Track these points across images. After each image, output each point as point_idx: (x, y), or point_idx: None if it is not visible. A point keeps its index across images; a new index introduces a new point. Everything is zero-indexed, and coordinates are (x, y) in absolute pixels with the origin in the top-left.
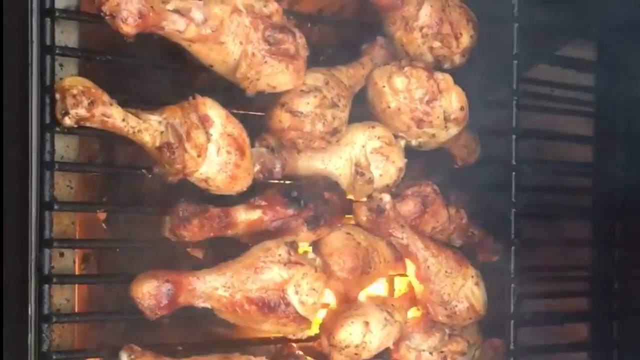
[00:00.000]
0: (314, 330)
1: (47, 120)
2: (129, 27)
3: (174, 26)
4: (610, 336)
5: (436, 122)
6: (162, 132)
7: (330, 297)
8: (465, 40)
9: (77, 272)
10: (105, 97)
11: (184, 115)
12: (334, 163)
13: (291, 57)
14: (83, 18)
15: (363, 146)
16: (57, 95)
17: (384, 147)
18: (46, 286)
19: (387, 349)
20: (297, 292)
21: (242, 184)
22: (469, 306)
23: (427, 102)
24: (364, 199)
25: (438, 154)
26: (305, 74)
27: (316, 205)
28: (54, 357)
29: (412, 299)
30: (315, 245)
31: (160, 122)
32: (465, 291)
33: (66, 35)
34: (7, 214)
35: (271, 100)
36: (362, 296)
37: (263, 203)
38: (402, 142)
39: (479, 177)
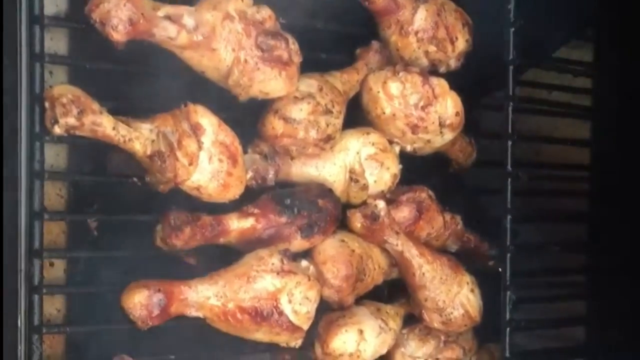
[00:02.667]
0: None
1: (37, 129)
2: (119, 34)
3: (165, 33)
4: (607, 340)
5: (431, 127)
6: (153, 141)
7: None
8: (461, 44)
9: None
10: (95, 106)
11: (175, 123)
12: (328, 170)
13: (284, 63)
14: (72, 25)
15: (357, 152)
16: (47, 104)
17: (379, 154)
18: (36, 296)
19: (382, 356)
20: (290, 301)
21: (235, 192)
22: (465, 313)
23: (422, 108)
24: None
25: (433, 158)
26: (298, 80)
27: (310, 212)
28: None
29: (406, 306)
30: (309, 253)
31: (151, 131)
32: (460, 298)
33: (55, 43)
34: None
35: (264, 106)
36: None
37: (256, 211)
38: (397, 148)
39: (474, 182)
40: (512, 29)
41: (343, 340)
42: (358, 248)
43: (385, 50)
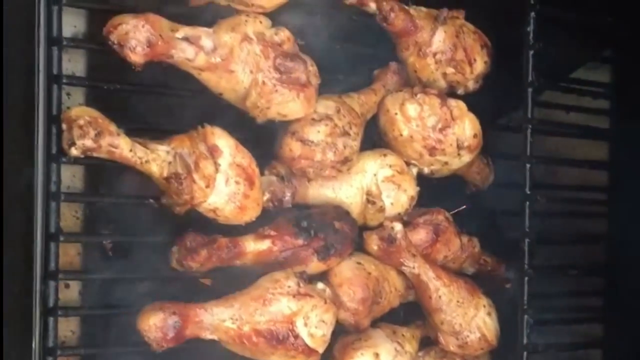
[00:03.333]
0: None
1: (54, 150)
2: (137, 56)
3: (183, 54)
4: None
5: (449, 149)
6: (170, 163)
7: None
8: (480, 66)
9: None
10: (112, 127)
11: (192, 145)
12: (345, 192)
13: (302, 85)
14: (91, 47)
15: (374, 174)
16: (64, 126)
17: (396, 176)
18: (51, 319)
19: None
20: (306, 324)
21: (251, 214)
22: (481, 336)
23: (439, 130)
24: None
25: (450, 180)
26: (316, 101)
27: (326, 235)
28: None
29: (423, 329)
30: (325, 275)
31: (168, 152)
32: (477, 321)
33: (73, 64)
34: (11, 245)
35: (281, 127)
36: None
37: (272, 233)
38: (414, 170)
39: (492, 204)
40: (531, 52)
41: None
42: (374, 270)
43: (403, 71)
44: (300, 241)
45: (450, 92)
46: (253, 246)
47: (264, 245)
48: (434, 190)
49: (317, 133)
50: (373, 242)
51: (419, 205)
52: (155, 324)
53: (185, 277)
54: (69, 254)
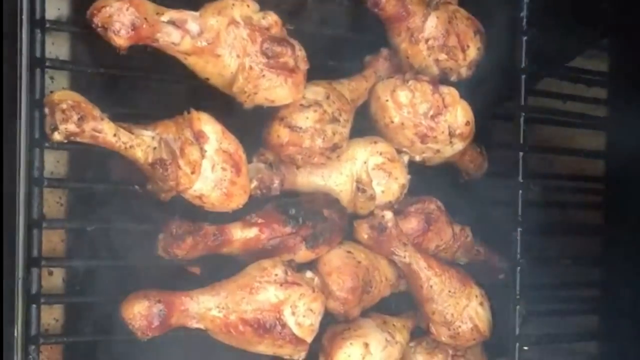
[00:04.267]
0: None
1: (37, 135)
2: (121, 39)
3: (169, 38)
4: (619, 355)
5: (441, 137)
6: (155, 148)
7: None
8: (472, 52)
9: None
10: (96, 112)
11: (178, 130)
12: (335, 179)
13: (290, 70)
14: (74, 30)
15: (365, 162)
16: (47, 110)
17: (387, 163)
18: (34, 306)
19: None
20: (293, 313)
21: (238, 202)
22: (473, 327)
23: (431, 117)
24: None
25: (443, 168)
26: (305, 87)
27: (315, 222)
28: None
29: (414, 319)
30: (314, 264)
31: (153, 138)
32: (469, 311)
33: (57, 47)
34: None
35: (269, 113)
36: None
37: (260, 220)
38: (406, 158)
39: (485, 193)
40: (525, 37)
41: (348, 353)
42: (364, 259)
43: (395, 58)
44: (288, 229)
45: (443, 80)
46: (240, 234)
47: (252, 232)
48: (426, 179)
49: (305, 119)
50: (363, 231)
51: (411, 193)
52: (140, 312)
53: (172, 265)
54: (53, 240)
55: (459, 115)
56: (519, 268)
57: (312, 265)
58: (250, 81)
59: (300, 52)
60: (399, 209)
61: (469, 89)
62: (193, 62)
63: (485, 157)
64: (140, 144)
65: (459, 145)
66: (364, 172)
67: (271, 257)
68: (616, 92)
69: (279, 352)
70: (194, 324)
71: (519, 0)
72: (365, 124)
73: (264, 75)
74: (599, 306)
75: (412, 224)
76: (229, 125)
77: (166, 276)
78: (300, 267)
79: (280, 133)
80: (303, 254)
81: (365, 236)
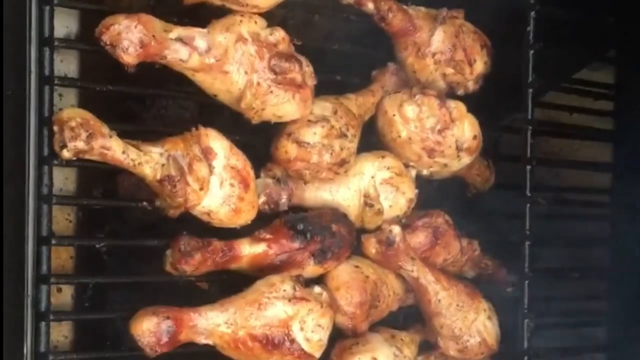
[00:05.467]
0: None
1: (45, 152)
2: (130, 57)
3: (177, 55)
4: None
5: (448, 151)
6: (163, 165)
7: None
8: (479, 66)
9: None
10: (105, 129)
11: (186, 147)
12: (342, 194)
13: (297, 86)
14: (83, 47)
15: (372, 177)
16: (55, 128)
17: (394, 178)
18: (43, 323)
19: None
20: (302, 329)
21: (246, 217)
22: (481, 341)
23: (438, 132)
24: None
25: (450, 182)
26: (312, 102)
27: (323, 238)
28: None
29: (422, 333)
30: (322, 279)
31: (161, 155)
32: (477, 325)
33: (66, 65)
34: (3, 249)
35: (277, 129)
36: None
37: (268, 236)
38: (413, 172)
39: (493, 206)
40: (532, 51)
41: None
42: (372, 274)
43: (402, 72)
44: (296, 244)
45: (450, 94)
46: (248, 249)
47: (260, 248)
48: (434, 193)
49: (313, 135)
50: (371, 246)
51: (418, 207)
52: (149, 329)
53: (180, 281)
54: (62, 257)
55: (466, 129)
56: (527, 281)
57: (320, 280)
58: (258, 97)
59: (308, 68)
60: (407, 223)
61: (476, 103)
62: (201, 78)
63: (493, 171)
64: (149, 160)
65: (466, 159)
66: (371, 187)
67: (279, 273)
68: (622, 104)
69: None
70: (203, 340)
71: (525, 14)
72: (372, 138)
73: (271, 92)
74: (607, 318)
75: (419, 238)
76: (237, 142)
77: (175, 292)
78: (309, 283)
79: (288, 148)
80: (311, 269)
81: (373, 251)
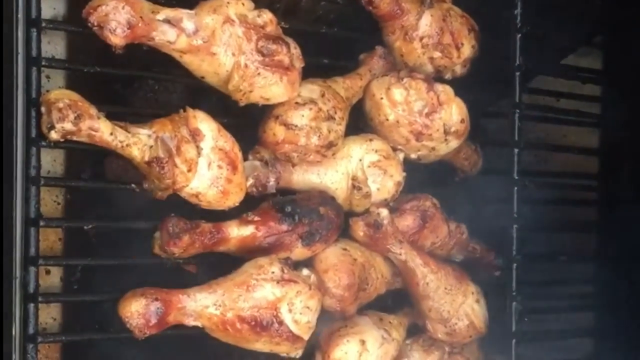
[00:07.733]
0: None
1: (33, 134)
2: (117, 38)
3: (164, 37)
4: (615, 352)
5: (436, 135)
6: (151, 147)
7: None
8: (467, 50)
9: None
10: (93, 111)
11: (174, 128)
12: (330, 177)
13: (285, 68)
14: (70, 29)
15: (360, 160)
16: (43, 109)
17: (382, 161)
18: (31, 305)
19: None
20: (290, 311)
21: (234, 199)
22: (470, 324)
23: (426, 115)
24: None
25: (438, 166)
26: (300, 85)
27: (311, 220)
28: None
29: (410, 316)
30: (310, 261)
31: (149, 136)
32: (465, 308)
33: (53, 46)
34: None
35: (265, 111)
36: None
37: (256, 218)
38: (401, 156)
39: (480, 190)
40: (519, 35)
41: (344, 350)
42: (360, 257)
43: (390, 56)
44: (284, 227)
45: (438, 77)
46: (237, 232)
47: (248, 230)
48: (422, 176)
49: (301, 117)
50: (359, 228)
51: (406, 191)
52: (138, 311)
53: (168, 263)
54: (50, 239)
55: (454, 113)
56: (515, 265)
57: (308, 262)
58: (246, 79)
59: (296, 50)
60: (395, 206)
61: (464, 87)
62: (188, 60)
63: (480, 155)
64: (137, 142)
65: (454, 143)
66: (359, 170)
67: (267, 255)
68: (610, 89)
69: (276, 349)
70: (191, 322)
71: None
72: (360, 121)
73: (259, 74)
74: (594, 303)
75: (407, 222)
76: (225, 123)
77: (164, 275)
78: (297, 265)
79: (276, 131)
80: (299, 252)
81: (361, 234)
